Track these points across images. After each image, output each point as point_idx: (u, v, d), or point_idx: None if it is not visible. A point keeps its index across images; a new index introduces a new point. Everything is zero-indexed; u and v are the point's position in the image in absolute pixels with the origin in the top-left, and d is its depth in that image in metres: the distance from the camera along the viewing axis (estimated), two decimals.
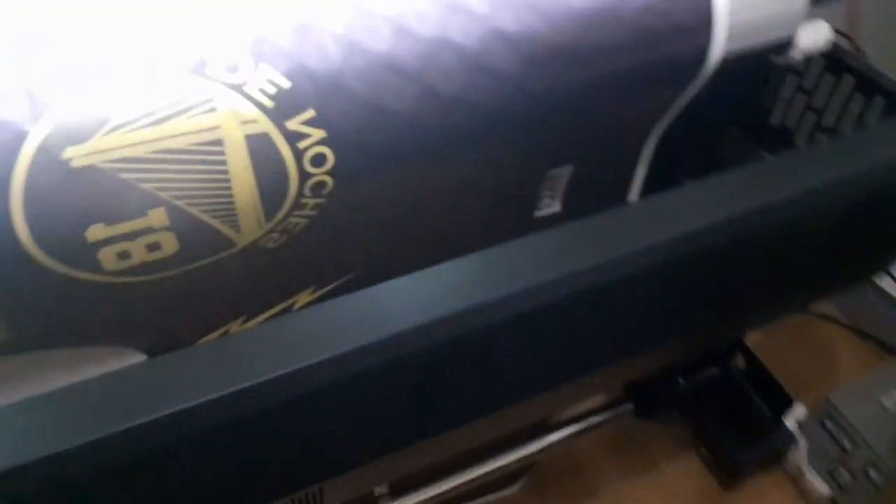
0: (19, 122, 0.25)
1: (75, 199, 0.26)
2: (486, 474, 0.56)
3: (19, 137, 0.25)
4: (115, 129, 0.26)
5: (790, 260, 0.43)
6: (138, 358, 0.36)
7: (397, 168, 0.33)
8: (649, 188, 0.47)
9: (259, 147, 0.28)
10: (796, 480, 0.63)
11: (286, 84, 0.28)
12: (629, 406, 0.65)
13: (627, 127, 0.40)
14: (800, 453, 0.62)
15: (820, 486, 0.61)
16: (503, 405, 0.38)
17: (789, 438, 0.62)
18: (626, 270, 0.34)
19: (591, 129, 0.38)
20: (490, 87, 0.31)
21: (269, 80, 0.27)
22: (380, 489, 0.50)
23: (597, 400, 0.64)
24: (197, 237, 0.30)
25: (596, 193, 0.45)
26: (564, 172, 0.42)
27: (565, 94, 0.34)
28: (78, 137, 0.25)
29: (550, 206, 0.44)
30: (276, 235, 0.32)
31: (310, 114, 0.28)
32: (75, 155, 0.25)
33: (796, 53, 0.40)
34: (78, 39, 0.26)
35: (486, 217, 0.41)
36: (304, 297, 0.39)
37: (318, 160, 0.30)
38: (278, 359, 0.27)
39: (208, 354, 0.29)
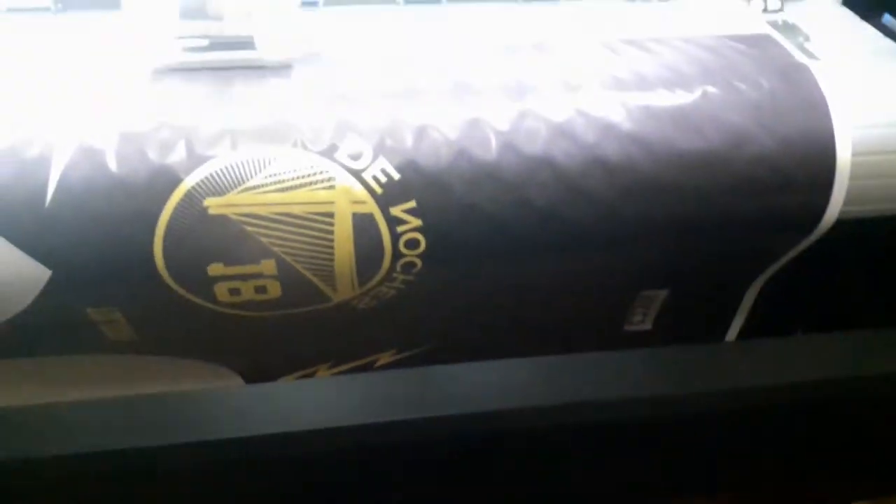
0: (178, 170, 0.30)
1: (205, 240, 0.31)
2: None
3: (175, 183, 0.30)
4: (249, 188, 0.31)
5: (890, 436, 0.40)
6: (233, 377, 0.41)
7: (484, 263, 0.35)
8: (758, 330, 0.46)
9: (363, 225, 0.32)
10: None
11: (396, 176, 0.31)
12: None
13: (728, 267, 0.40)
14: None
15: None
16: None
17: None
18: (696, 409, 0.34)
19: (687, 262, 0.38)
20: (583, 208, 0.33)
21: (383, 170, 0.31)
22: None
23: None
24: (298, 288, 0.34)
25: (691, 322, 0.45)
26: (659, 295, 0.42)
27: (659, 226, 0.35)
28: (218, 190, 0.30)
29: (642, 323, 0.44)
30: (367, 299, 0.36)
31: (411, 204, 0.32)
32: (213, 205, 0.31)
33: None
34: (236, 107, 0.32)
35: (570, 321, 0.42)
36: (386, 357, 0.43)
37: (412, 244, 0.33)
38: (326, 414, 0.30)
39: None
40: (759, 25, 0.41)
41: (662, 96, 0.35)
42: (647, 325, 0.44)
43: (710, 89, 0.35)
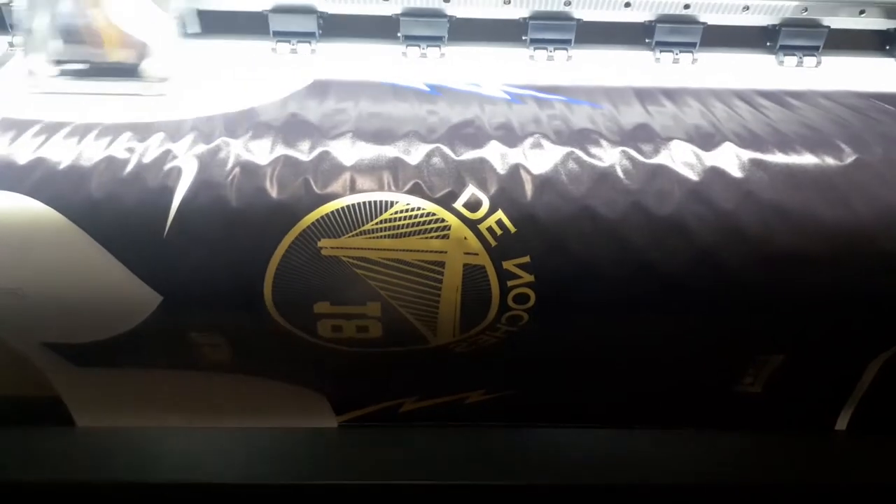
0: (296, 209, 0.30)
1: (315, 279, 0.31)
2: None
3: (293, 221, 0.30)
4: (363, 233, 0.30)
5: None
6: (322, 402, 0.41)
7: (594, 323, 0.33)
8: (876, 410, 0.43)
9: (473, 276, 0.31)
10: None
11: (513, 229, 0.30)
12: None
13: (852, 340, 0.37)
14: None
15: None
16: None
17: None
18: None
19: (810, 331, 0.35)
20: (712, 278, 0.31)
21: (500, 222, 0.30)
22: None
23: None
24: (399, 331, 0.33)
25: (803, 393, 0.42)
26: (775, 360, 0.40)
27: (790, 297, 0.32)
28: (333, 232, 0.30)
29: (751, 386, 0.42)
30: (464, 345, 0.35)
31: (525, 259, 0.30)
32: (326, 246, 0.30)
33: None
34: (357, 144, 0.31)
35: (676, 380, 0.40)
36: (475, 396, 0.42)
37: (521, 299, 0.31)
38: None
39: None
40: None
41: (807, 160, 0.32)
42: (757, 389, 0.41)
43: (862, 157, 0.32)
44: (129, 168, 0.30)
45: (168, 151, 0.30)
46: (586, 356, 0.37)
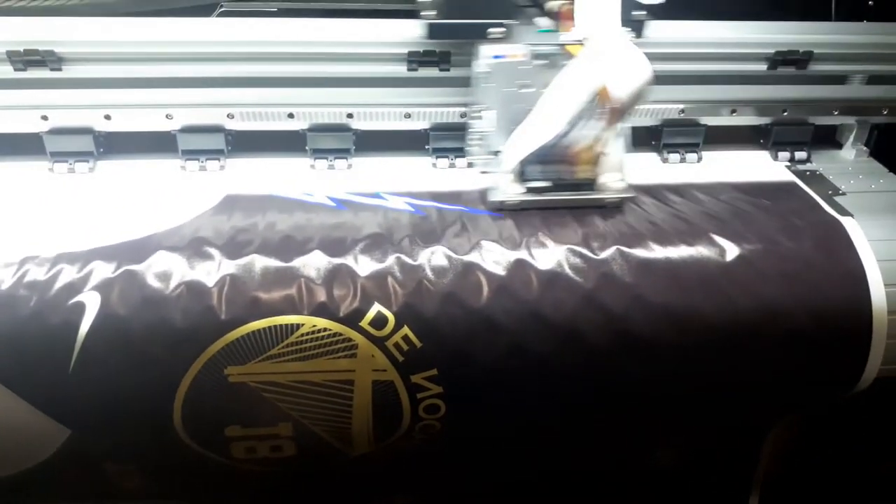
0: (201, 338, 0.30)
1: (224, 404, 0.31)
2: None
3: (198, 350, 0.30)
4: (269, 357, 0.30)
5: None
6: None
7: (503, 424, 0.34)
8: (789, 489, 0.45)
9: (383, 392, 0.31)
10: None
11: (418, 344, 0.31)
12: None
13: (745, 424, 0.39)
14: None
15: None
16: None
17: None
18: None
19: (706, 414, 0.38)
20: (609, 379, 0.33)
21: (406, 338, 0.31)
22: None
23: None
24: (314, 448, 0.33)
25: (713, 463, 0.43)
26: (680, 438, 0.41)
27: (680, 390, 0.34)
28: (239, 360, 0.30)
29: (662, 462, 0.43)
30: (384, 452, 0.35)
31: (432, 372, 0.31)
32: (233, 373, 0.30)
33: None
34: (260, 270, 0.31)
35: (590, 464, 0.41)
36: (401, 500, 0.42)
37: (432, 409, 0.32)
38: None
39: None
40: (783, 174, 0.41)
41: (690, 260, 0.33)
42: (669, 463, 0.43)
43: (742, 254, 0.34)
44: (31, 305, 0.29)
45: (70, 285, 0.30)
46: (498, 451, 0.37)
